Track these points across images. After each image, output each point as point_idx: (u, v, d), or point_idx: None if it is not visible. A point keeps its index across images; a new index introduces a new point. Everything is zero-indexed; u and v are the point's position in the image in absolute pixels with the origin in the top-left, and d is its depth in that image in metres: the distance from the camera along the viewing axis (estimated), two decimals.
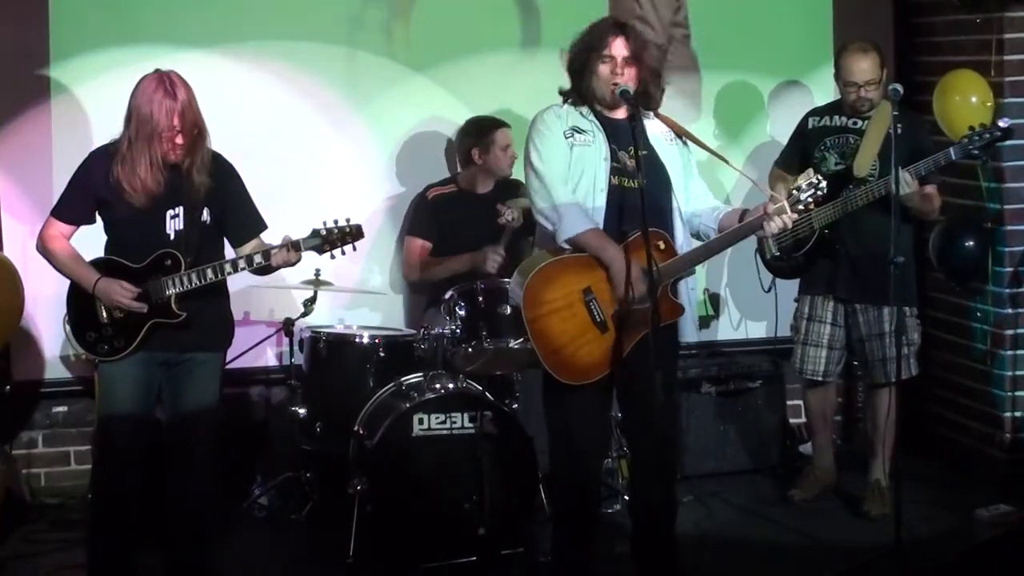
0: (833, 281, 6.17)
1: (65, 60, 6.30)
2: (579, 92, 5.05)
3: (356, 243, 5.17)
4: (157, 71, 5.01)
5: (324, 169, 6.63)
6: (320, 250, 5.13)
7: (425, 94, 6.70)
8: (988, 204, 6.54)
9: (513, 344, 5.48)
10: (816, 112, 6.33)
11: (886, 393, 6.15)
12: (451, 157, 6.67)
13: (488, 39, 6.74)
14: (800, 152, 6.27)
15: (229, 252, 5.22)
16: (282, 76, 6.55)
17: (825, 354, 6.25)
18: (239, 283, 5.87)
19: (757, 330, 7.09)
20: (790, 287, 6.48)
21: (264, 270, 5.16)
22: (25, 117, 6.30)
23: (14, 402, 6.40)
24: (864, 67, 6.05)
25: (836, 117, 6.20)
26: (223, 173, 5.12)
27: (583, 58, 5.01)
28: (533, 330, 4.94)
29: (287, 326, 6.20)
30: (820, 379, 6.31)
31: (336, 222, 5.13)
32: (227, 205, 5.13)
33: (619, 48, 4.97)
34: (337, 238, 5.12)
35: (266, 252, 5.06)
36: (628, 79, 4.96)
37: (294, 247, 5.07)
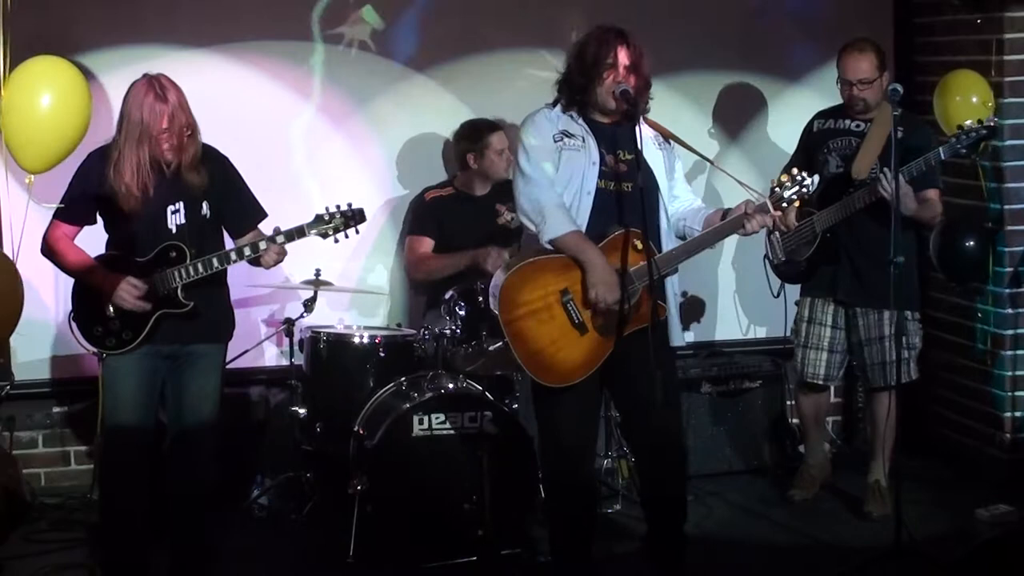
0: (834, 284, 6.16)
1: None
2: (577, 100, 5.06)
3: (359, 227, 5.24)
4: (146, 75, 5.11)
5: (324, 169, 6.62)
6: (324, 235, 5.20)
7: (425, 94, 6.70)
8: (989, 204, 6.54)
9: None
10: (822, 115, 6.32)
11: (886, 396, 6.13)
12: (446, 161, 6.67)
13: (488, 39, 6.74)
14: (806, 155, 6.26)
15: (229, 244, 5.28)
16: (282, 76, 6.55)
17: (826, 357, 6.24)
18: (239, 284, 5.88)
19: (757, 330, 7.08)
20: (796, 291, 6.46)
21: (259, 261, 5.21)
22: None
23: (14, 402, 6.40)
24: (856, 65, 6.05)
25: (840, 120, 6.19)
26: (218, 166, 5.20)
27: (589, 68, 5.02)
28: (510, 332, 4.96)
29: (287, 326, 6.20)
30: (820, 382, 6.31)
31: (338, 206, 5.22)
32: (225, 197, 5.21)
33: (623, 57, 5.00)
34: (340, 222, 5.20)
35: (271, 237, 5.13)
36: (629, 85, 4.98)
37: (289, 236, 5.13)
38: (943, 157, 5.87)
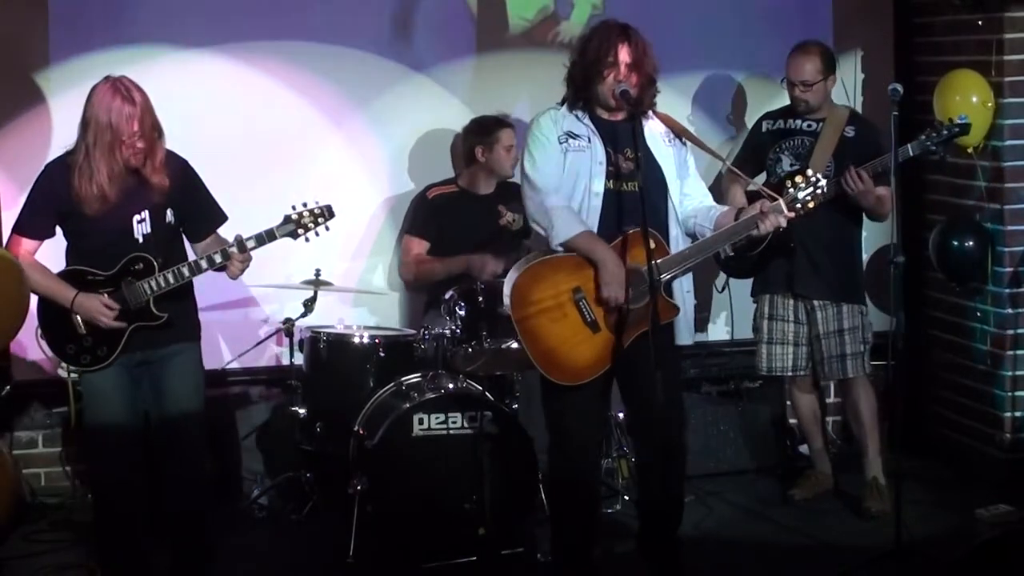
0: (791, 279, 6.19)
1: (65, 61, 6.30)
2: (581, 98, 5.06)
3: (328, 223, 5.16)
4: (108, 78, 4.99)
5: (324, 169, 6.61)
6: (294, 235, 5.13)
7: (425, 94, 6.70)
8: (987, 204, 6.53)
9: (513, 344, 5.48)
10: (770, 115, 6.35)
11: (859, 389, 6.22)
12: (453, 157, 6.67)
13: (488, 39, 6.74)
14: (754, 154, 6.29)
15: (189, 249, 5.23)
16: (282, 76, 6.54)
17: (792, 351, 6.27)
18: (240, 284, 5.88)
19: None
20: (744, 287, 6.45)
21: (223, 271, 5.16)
22: (24, 118, 6.30)
23: (14, 402, 6.40)
24: (800, 67, 6.09)
25: (790, 120, 6.23)
26: (178, 170, 5.09)
27: (589, 65, 5.02)
28: (522, 330, 4.96)
29: (287, 326, 6.20)
30: (790, 374, 6.32)
31: (305, 204, 5.14)
32: (187, 201, 5.12)
33: (624, 55, 4.99)
34: (309, 220, 5.13)
35: (241, 243, 5.04)
36: (630, 84, 4.98)
37: (260, 240, 5.05)
38: (911, 154, 5.89)
